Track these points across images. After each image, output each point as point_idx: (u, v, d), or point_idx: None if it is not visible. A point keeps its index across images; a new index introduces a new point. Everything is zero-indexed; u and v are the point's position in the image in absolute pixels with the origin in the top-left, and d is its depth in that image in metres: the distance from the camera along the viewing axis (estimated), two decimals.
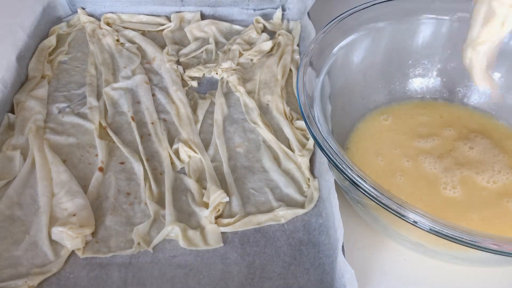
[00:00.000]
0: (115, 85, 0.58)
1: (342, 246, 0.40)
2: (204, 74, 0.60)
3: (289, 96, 0.58)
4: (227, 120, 0.55)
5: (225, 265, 0.43)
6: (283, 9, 0.69)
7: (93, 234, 0.44)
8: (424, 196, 0.45)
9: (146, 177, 0.49)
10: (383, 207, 0.35)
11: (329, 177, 0.45)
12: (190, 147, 0.51)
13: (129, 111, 0.55)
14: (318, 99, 0.43)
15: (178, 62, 0.62)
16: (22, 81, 0.57)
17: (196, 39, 0.65)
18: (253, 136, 0.54)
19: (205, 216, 0.45)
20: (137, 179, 0.49)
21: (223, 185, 0.48)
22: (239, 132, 0.54)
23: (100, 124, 0.53)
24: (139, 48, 0.63)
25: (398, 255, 0.45)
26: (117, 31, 0.65)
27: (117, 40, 0.64)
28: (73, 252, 0.43)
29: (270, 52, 0.63)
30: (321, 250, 0.43)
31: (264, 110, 0.56)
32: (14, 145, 0.50)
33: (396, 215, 0.34)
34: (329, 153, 0.38)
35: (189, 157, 0.51)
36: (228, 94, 0.58)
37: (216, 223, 0.45)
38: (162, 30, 0.66)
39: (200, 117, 0.55)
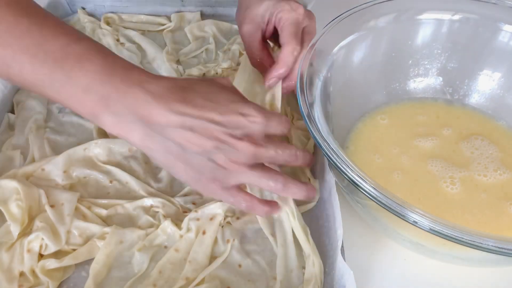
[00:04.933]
0: None
1: (342, 247, 0.40)
2: (204, 73, 0.60)
3: (289, 96, 0.58)
4: None
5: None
6: None
7: None
8: (422, 195, 0.45)
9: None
10: (383, 207, 0.34)
11: (329, 178, 0.45)
12: None
13: None
14: (318, 99, 0.43)
15: (178, 62, 0.62)
16: None
17: (196, 39, 0.65)
18: None
19: None
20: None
21: None
22: None
23: None
24: (139, 48, 0.63)
25: (398, 255, 0.45)
26: (117, 31, 0.65)
27: (117, 40, 0.64)
28: None
29: None
30: (321, 251, 0.43)
31: None
32: (14, 145, 0.50)
33: (396, 215, 0.34)
34: (329, 153, 0.38)
35: None
36: None
37: None
38: (162, 30, 0.66)
39: None
